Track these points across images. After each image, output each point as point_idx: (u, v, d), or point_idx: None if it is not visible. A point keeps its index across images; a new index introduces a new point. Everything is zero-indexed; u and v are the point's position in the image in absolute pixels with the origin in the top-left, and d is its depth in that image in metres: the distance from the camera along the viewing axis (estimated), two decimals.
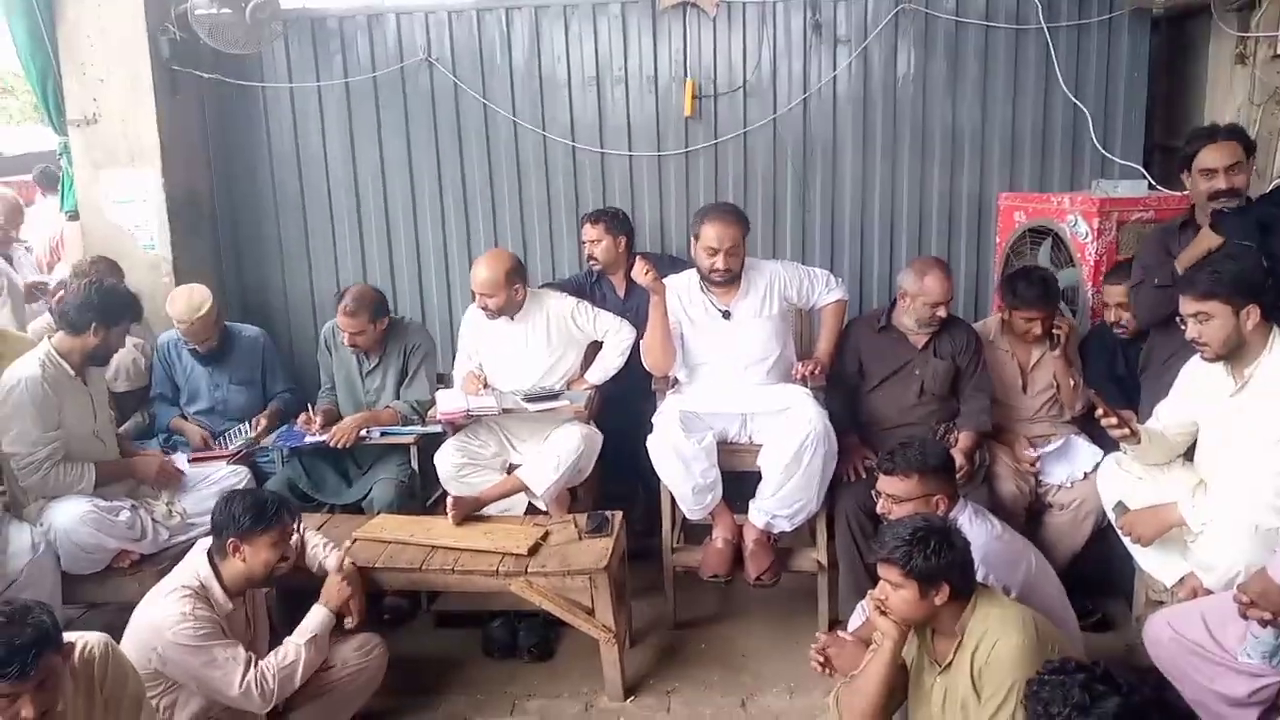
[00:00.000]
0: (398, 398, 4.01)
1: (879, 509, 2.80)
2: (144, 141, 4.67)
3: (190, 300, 4.03)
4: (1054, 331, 3.61)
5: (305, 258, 5.16)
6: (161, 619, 2.71)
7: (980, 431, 3.59)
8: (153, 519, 3.42)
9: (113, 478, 3.52)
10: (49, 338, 3.53)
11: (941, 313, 3.58)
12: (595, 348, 4.03)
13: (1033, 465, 3.56)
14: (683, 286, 3.76)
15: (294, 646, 2.83)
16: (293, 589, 3.15)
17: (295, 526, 2.89)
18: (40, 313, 4.44)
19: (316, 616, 2.95)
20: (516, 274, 3.84)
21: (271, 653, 2.81)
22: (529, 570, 3.20)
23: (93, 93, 4.67)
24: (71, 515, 3.27)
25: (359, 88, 4.96)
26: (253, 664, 2.73)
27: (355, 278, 5.00)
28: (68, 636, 2.35)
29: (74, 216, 4.81)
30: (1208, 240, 3.11)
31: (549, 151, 4.93)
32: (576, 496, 3.86)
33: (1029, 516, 3.52)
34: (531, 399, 3.79)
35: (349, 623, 3.06)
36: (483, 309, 3.84)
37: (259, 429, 4.11)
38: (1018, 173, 4.76)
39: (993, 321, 3.91)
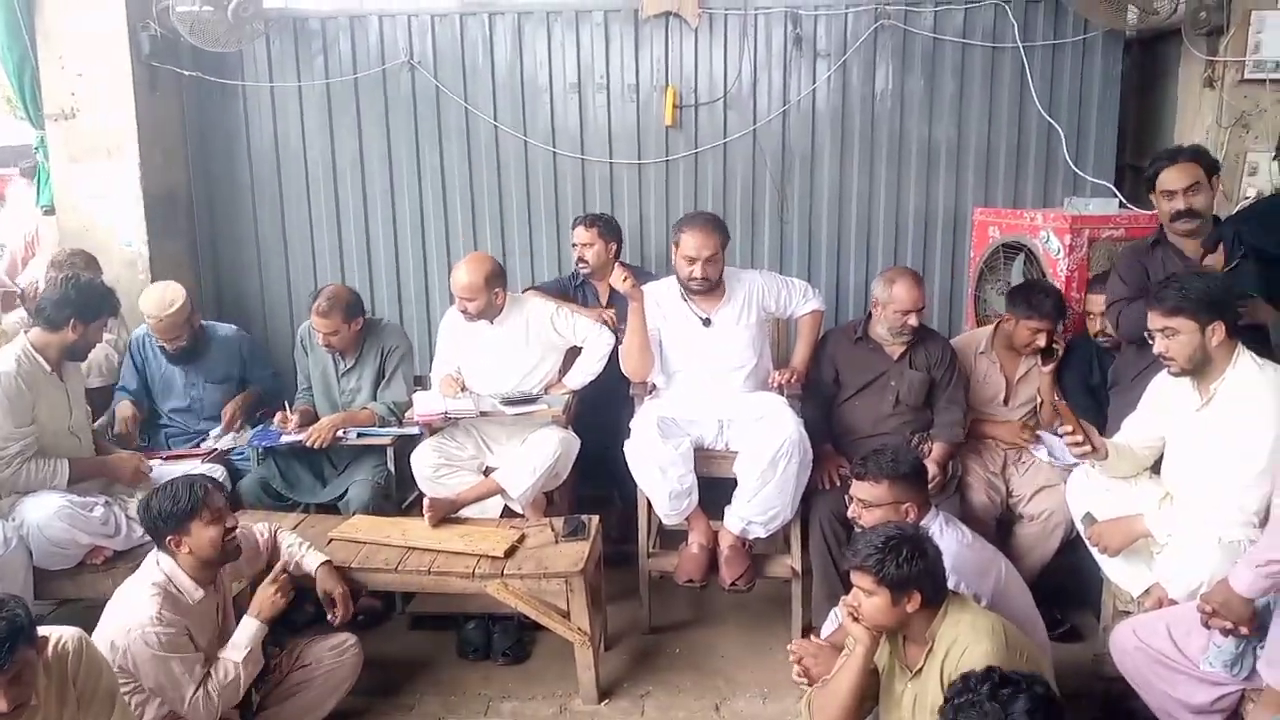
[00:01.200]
0: (374, 399, 4.00)
1: (850, 514, 2.85)
2: (122, 137, 4.64)
3: (162, 297, 4.00)
4: (1053, 345, 3.66)
5: (283, 257, 5.13)
6: (131, 618, 2.71)
7: (953, 443, 3.65)
8: (126, 515, 3.38)
9: (87, 475, 3.49)
10: (25, 332, 3.49)
11: (912, 320, 3.63)
12: (575, 352, 4.04)
13: (1031, 438, 3.65)
14: (663, 293, 3.80)
15: (232, 664, 2.82)
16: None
17: (219, 497, 2.85)
18: (12, 307, 4.39)
19: (248, 630, 2.90)
20: (497, 278, 3.86)
21: (212, 669, 2.80)
22: (505, 573, 3.21)
23: (71, 87, 4.63)
24: (44, 510, 3.24)
25: (340, 88, 4.95)
26: (203, 682, 2.75)
27: (333, 278, 4.99)
28: (41, 631, 2.34)
29: (49, 211, 4.76)
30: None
31: (530, 156, 4.95)
32: (553, 500, 3.88)
33: (999, 526, 3.57)
34: (509, 402, 3.80)
35: (334, 618, 3.08)
36: (463, 312, 3.85)
37: (233, 414, 4.11)
38: (992, 188, 4.85)
39: (983, 332, 3.96)
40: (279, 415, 3.96)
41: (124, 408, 4.07)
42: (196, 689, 2.73)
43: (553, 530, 3.46)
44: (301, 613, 3.37)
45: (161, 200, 4.79)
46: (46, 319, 3.42)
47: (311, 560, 3.16)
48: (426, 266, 5.10)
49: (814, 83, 4.79)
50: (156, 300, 3.99)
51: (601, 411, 4.00)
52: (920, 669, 2.34)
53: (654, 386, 3.86)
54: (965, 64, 4.76)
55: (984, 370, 3.83)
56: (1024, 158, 4.82)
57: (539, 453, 3.69)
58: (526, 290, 4.29)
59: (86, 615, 2.82)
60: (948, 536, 2.78)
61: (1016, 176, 4.84)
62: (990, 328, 3.93)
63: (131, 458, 3.62)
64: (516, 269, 4.96)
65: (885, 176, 4.87)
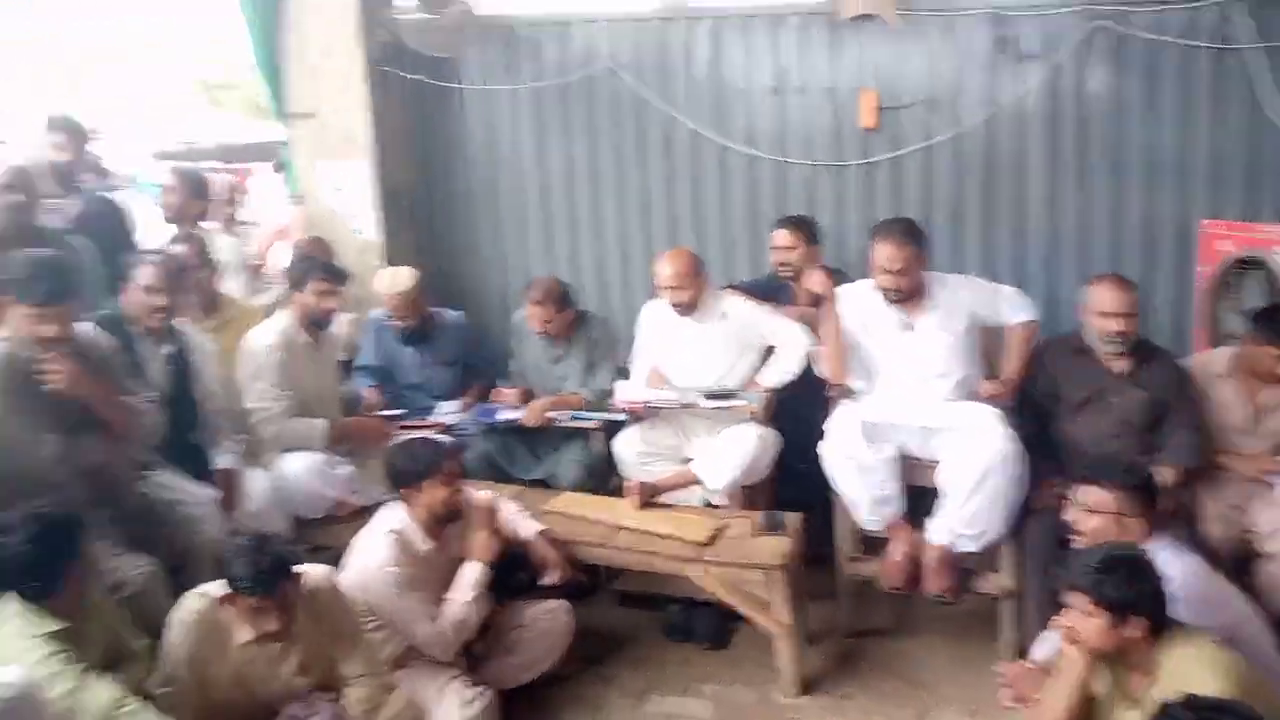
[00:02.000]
0: (583, 385, 4.19)
1: (1068, 516, 2.73)
2: (355, 136, 5.03)
3: (395, 277, 4.34)
4: None
5: (498, 250, 5.44)
6: (370, 560, 2.99)
7: (1186, 466, 3.39)
8: (375, 478, 3.72)
9: (339, 436, 3.82)
10: (289, 307, 3.89)
11: (1115, 325, 3.39)
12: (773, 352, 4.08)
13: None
14: (861, 294, 3.77)
15: (460, 604, 3.06)
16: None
17: (454, 463, 3.10)
18: (270, 286, 4.84)
19: (472, 572, 3.13)
20: (700, 270, 3.96)
21: (444, 607, 3.04)
22: (707, 559, 3.29)
23: (312, 89, 5.05)
24: (299, 466, 3.63)
25: (548, 93, 5.16)
26: (436, 619, 2.98)
27: (543, 270, 5.21)
28: (297, 569, 2.62)
29: (298, 201, 5.22)
30: None
31: (728, 160, 5.03)
32: (751, 496, 3.92)
33: (1237, 565, 3.28)
34: (709, 396, 3.88)
35: (550, 579, 3.26)
36: (675, 305, 3.94)
37: (461, 405, 4.38)
38: (1222, 199, 4.55)
39: (1222, 353, 3.66)
40: (496, 391, 4.23)
41: (370, 393, 4.37)
42: (430, 626, 2.96)
43: (753, 523, 3.51)
44: (516, 579, 3.56)
45: (392, 195, 5.16)
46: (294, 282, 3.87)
47: (529, 527, 3.35)
48: (627, 263, 5.27)
49: (1023, 86, 4.65)
50: (390, 279, 4.34)
51: (800, 412, 4.01)
52: (1143, 701, 2.21)
53: (851, 390, 3.83)
54: (1189, 67, 4.49)
55: (1225, 396, 3.50)
56: (1259, 168, 4.52)
57: (737, 446, 3.74)
58: (724, 289, 4.36)
59: (335, 563, 3.08)
60: (1176, 564, 2.57)
61: (1250, 187, 4.53)
62: (1231, 350, 3.61)
63: (376, 423, 3.92)
64: (713, 270, 5.04)
65: (1101, 185, 4.66)
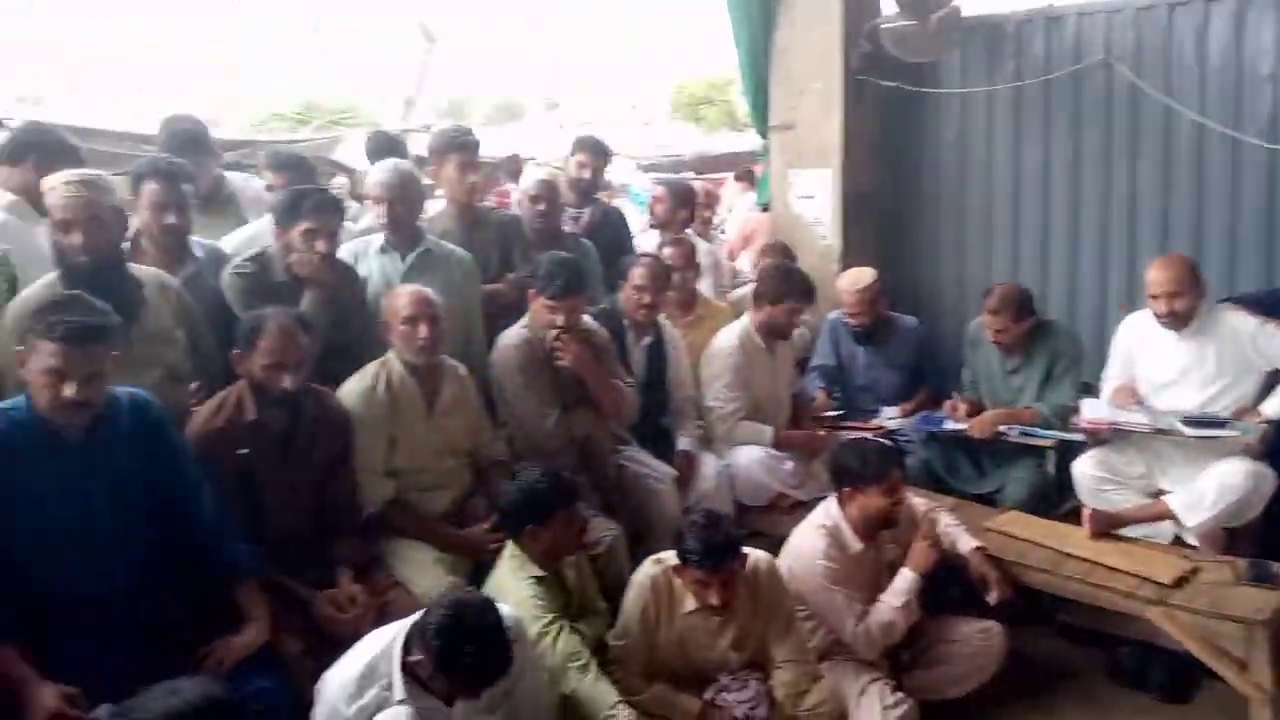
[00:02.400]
0: (1038, 399, 3.97)
1: None
2: (828, 145, 5.23)
3: (857, 275, 4.50)
4: None
5: (958, 256, 5.34)
6: (805, 551, 3.13)
7: None
8: (815, 474, 3.92)
9: (782, 444, 4.01)
10: (749, 313, 4.18)
11: None
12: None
13: None
14: None
15: (888, 608, 3.08)
16: None
17: (898, 473, 3.10)
18: (737, 286, 5.26)
19: (905, 580, 3.11)
20: (1199, 278, 3.55)
21: (872, 608, 3.08)
22: (1172, 602, 2.97)
23: (793, 102, 5.35)
24: (749, 456, 3.91)
25: (1029, 92, 4.97)
26: (862, 618, 3.04)
27: (1006, 277, 5.02)
28: (744, 550, 2.85)
29: (765, 209, 5.60)
30: None
31: (1240, 155, 4.44)
32: (1234, 539, 3.45)
33: None
34: (1191, 423, 3.47)
35: (992, 597, 3.18)
36: (1164, 316, 3.56)
37: (918, 404, 4.40)
38: None
39: None
40: (947, 403, 4.16)
41: (820, 395, 4.55)
42: (856, 623, 3.04)
43: (1234, 570, 3.10)
44: (951, 593, 3.51)
45: (855, 201, 5.30)
46: (755, 300, 4.09)
47: (966, 542, 3.29)
48: (1104, 271, 4.88)
49: None
50: (852, 277, 4.51)
51: None
52: None
53: None
54: None
55: None
56: None
57: (1223, 482, 3.33)
58: (1222, 302, 3.85)
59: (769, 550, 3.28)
60: None
61: None
62: None
63: (819, 438, 4.08)
64: (1214, 281, 4.47)
65: None
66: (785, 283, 4.06)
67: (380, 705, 2.25)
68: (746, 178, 6.42)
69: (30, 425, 2.29)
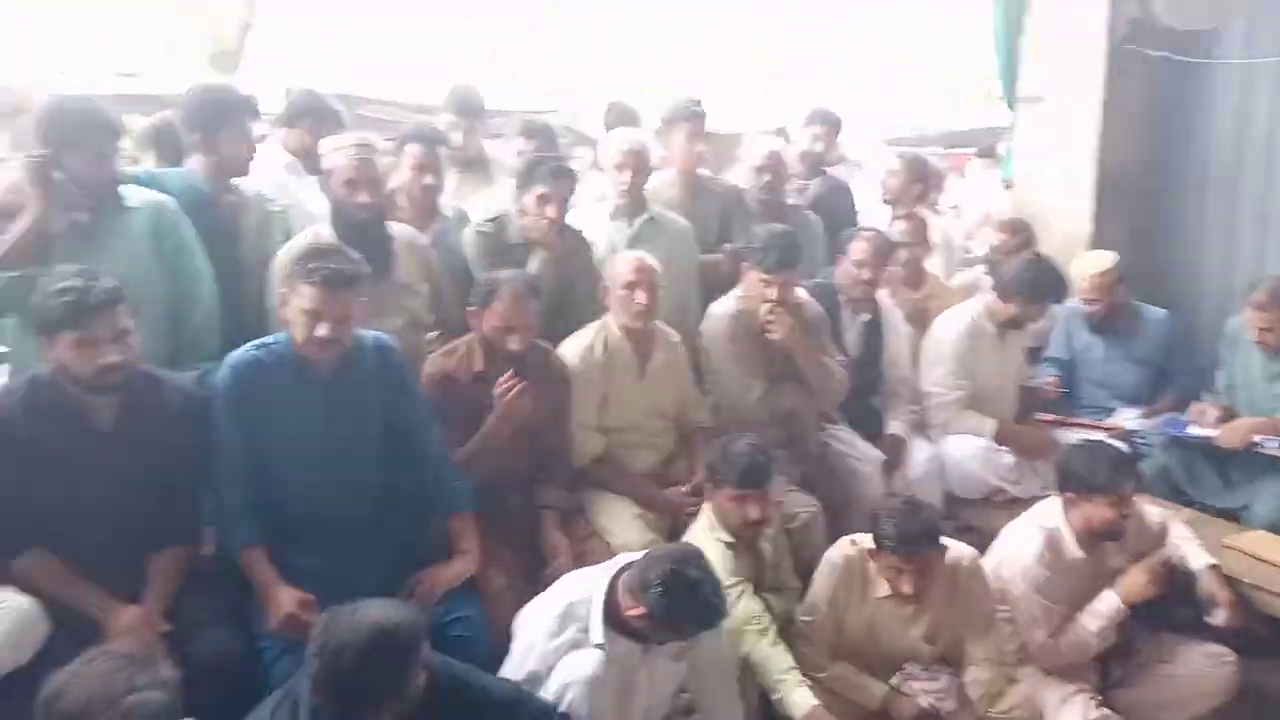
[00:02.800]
0: None
1: None
2: (1084, 119, 4.85)
3: (1096, 259, 4.19)
4: None
5: (1225, 245, 4.80)
6: (1016, 552, 2.98)
7: None
8: (1033, 468, 3.74)
9: (1004, 440, 3.82)
10: (982, 295, 4.00)
11: None
12: None
13: None
14: None
15: (1083, 628, 2.90)
16: None
17: (1130, 485, 2.87)
18: (969, 268, 5.03)
19: (1109, 602, 2.90)
20: None
21: (1069, 624, 2.91)
22: None
23: (1046, 72, 5.00)
24: (964, 447, 3.77)
25: None
26: (1057, 631, 2.89)
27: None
28: (945, 541, 2.76)
29: (1009, 186, 5.29)
30: None
31: None
32: None
33: None
34: None
35: (1219, 618, 2.93)
36: None
37: (1146, 411, 4.06)
38: None
39: None
40: (1194, 406, 3.80)
41: (1050, 385, 4.26)
42: (1045, 635, 2.89)
43: None
44: (1179, 613, 3.23)
45: (1110, 180, 4.89)
46: (1001, 289, 3.86)
47: (1198, 559, 3.02)
48: None
49: None
50: (1090, 260, 4.20)
51: None
52: None
53: None
54: None
55: None
56: None
57: None
58: None
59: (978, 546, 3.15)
60: None
61: None
62: None
63: (1045, 439, 3.86)
64: None
65: None
66: (1037, 277, 3.82)
67: (575, 645, 2.39)
68: (988, 154, 6.08)
69: (288, 359, 2.60)
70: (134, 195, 2.89)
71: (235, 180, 3.26)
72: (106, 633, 2.26)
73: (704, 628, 2.39)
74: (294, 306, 2.54)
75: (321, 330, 2.51)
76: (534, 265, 3.34)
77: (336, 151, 3.12)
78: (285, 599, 2.42)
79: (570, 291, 3.50)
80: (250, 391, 2.56)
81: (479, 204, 3.92)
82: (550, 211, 3.36)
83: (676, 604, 2.28)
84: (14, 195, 2.77)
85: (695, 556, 2.40)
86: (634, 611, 2.33)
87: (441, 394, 2.93)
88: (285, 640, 2.36)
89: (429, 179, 3.53)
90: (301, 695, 1.99)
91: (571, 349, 3.25)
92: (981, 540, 3.17)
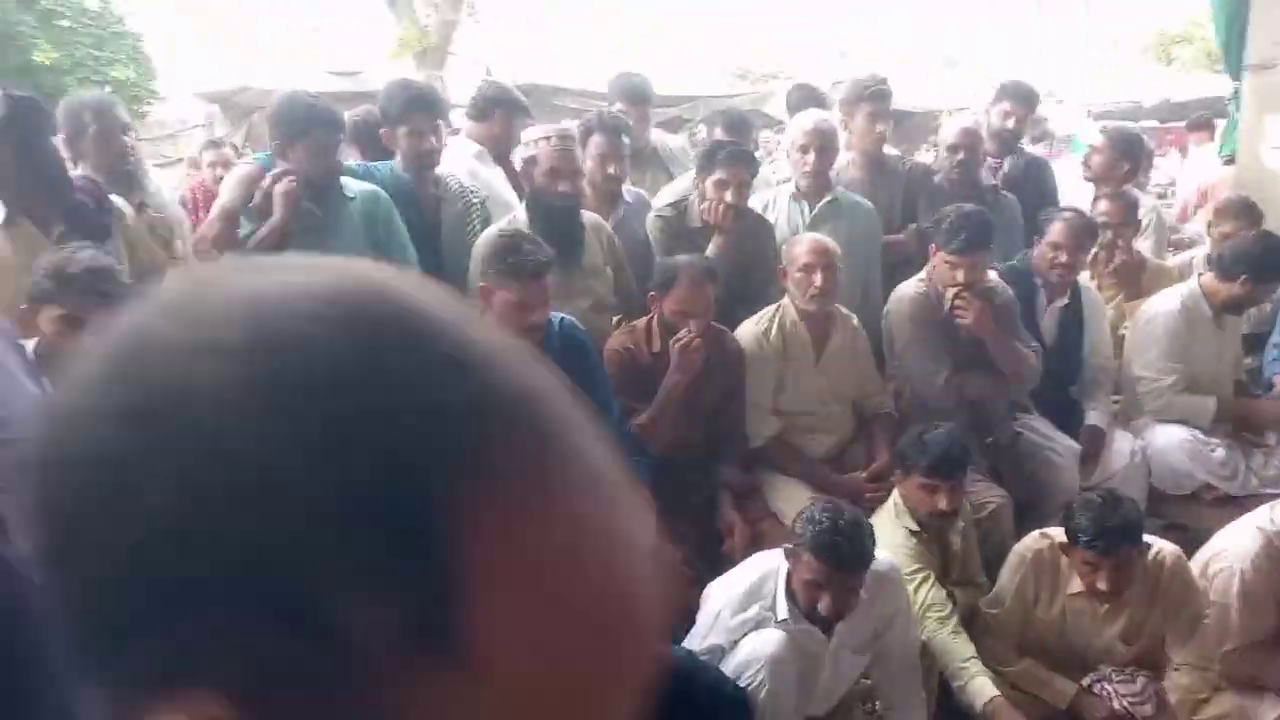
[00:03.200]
0: None
1: None
2: None
3: None
4: None
5: None
6: (1229, 550, 2.78)
7: None
8: (1247, 465, 3.44)
9: (1229, 418, 3.59)
10: (1198, 276, 3.73)
11: None
12: None
13: None
14: None
15: None
16: None
17: None
18: (1185, 248, 4.67)
19: None
20: None
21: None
22: None
23: (1275, 37, 4.56)
24: (1172, 439, 3.51)
25: None
26: (1249, 650, 2.66)
27: None
28: (1147, 539, 2.60)
29: (1229, 161, 4.86)
30: None
31: None
32: None
33: None
34: None
35: None
36: None
37: None
38: None
39: None
40: None
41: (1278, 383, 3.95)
42: (1244, 640, 2.68)
43: None
44: None
45: None
46: (1221, 267, 3.59)
47: None
48: None
49: None
50: None
51: None
52: None
53: None
54: None
55: None
56: None
57: None
58: None
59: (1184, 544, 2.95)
60: None
61: None
62: None
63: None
64: None
65: None
66: (1263, 256, 3.52)
67: (760, 623, 2.42)
68: (1205, 127, 5.56)
69: None
70: (351, 186, 3.13)
71: (439, 172, 3.47)
72: None
73: (853, 568, 2.35)
74: (500, 301, 2.68)
75: (534, 318, 2.66)
76: (713, 249, 3.37)
77: (539, 141, 3.23)
78: None
79: (749, 275, 3.51)
80: None
81: (664, 194, 3.97)
82: (729, 196, 3.38)
83: (821, 540, 2.30)
84: (249, 187, 3.03)
85: (843, 505, 2.45)
86: (799, 573, 2.34)
87: (619, 373, 3.02)
88: None
89: (611, 169, 3.62)
90: None
91: (747, 331, 3.27)
92: (1189, 539, 2.97)
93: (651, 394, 3.03)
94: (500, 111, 3.93)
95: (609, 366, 3.00)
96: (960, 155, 3.98)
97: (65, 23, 10.78)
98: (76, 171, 3.16)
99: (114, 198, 3.07)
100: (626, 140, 3.72)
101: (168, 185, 3.61)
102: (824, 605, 2.34)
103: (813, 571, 2.33)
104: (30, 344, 2.19)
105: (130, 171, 3.43)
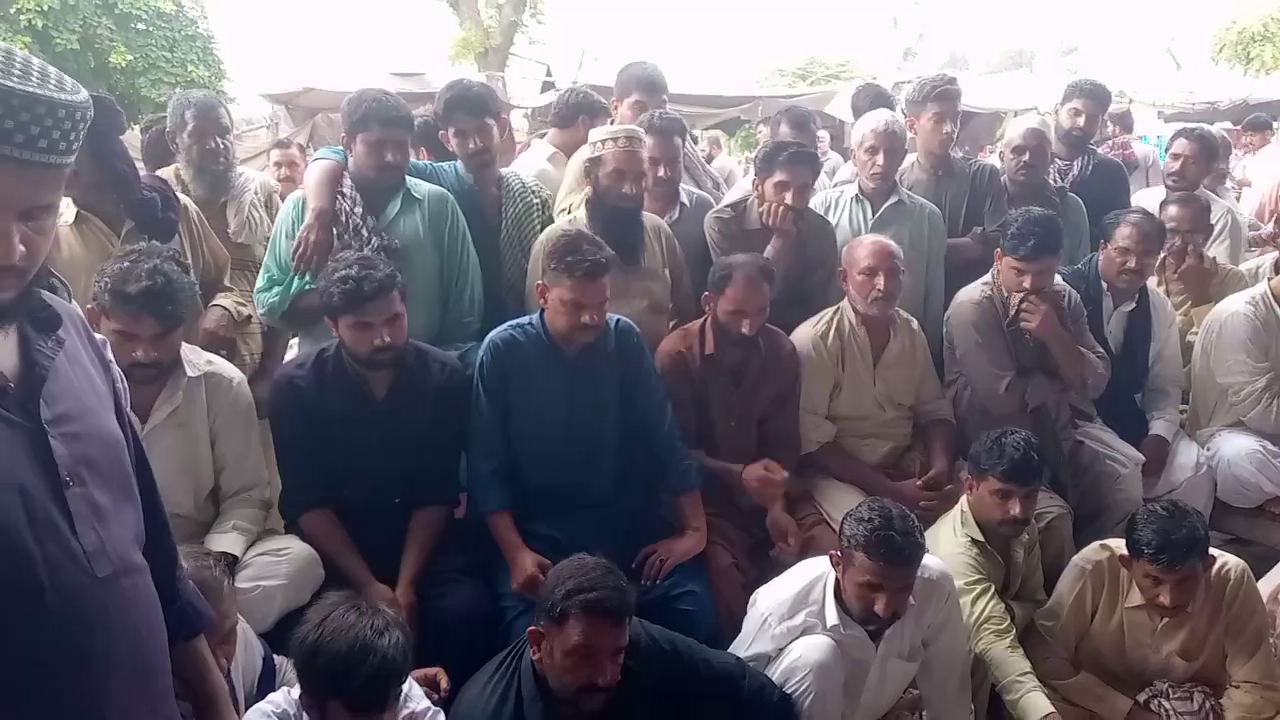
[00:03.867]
0: None
1: None
2: None
3: None
4: None
5: None
6: None
7: None
8: None
9: None
10: (1269, 279, 3.63)
11: None
12: None
13: None
14: None
15: None
16: None
17: None
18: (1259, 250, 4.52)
19: None
20: None
21: None
22: None
23: None
24: (1238, 449, 3.41)
25: None
26: None
27: None
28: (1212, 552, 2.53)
29: None
30: None
31: None
32: None
33: None
34: None
35: None
36: None
37: None
38: None
39: None
40: None
41: None
42: None
43: None
44: None
45: None
46: None
47: None
48: None
49: None
50: None
51: None
52: None
53: None
54: None
55: None
56: None
57: None
58: None
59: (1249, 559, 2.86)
60: None
61: None
62: None
63: None
64: None
65: None
66: None
67: (807, 629, 2.42)
68: (1260, 127, 5.34)
69: (539, 339, 2.79)
70: (419, 187, 3.17)
71: (503, 171, 3.50)
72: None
73: (907, 557, 2.32)
74: (555, 298, 2.71)
75: (586, 318, 2.69)
76: (771, 251, 3.35)
77: (605, 142, 3.22)
78: (527, 562, 2.61)
79: (809, 277, 3.48)
80: (504, 367, 2.79)
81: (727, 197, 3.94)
82: (789, 197, 3.35)
83: (874, 537, 2.28)
84: (334, 185, 3.05)
85: (883, 503, 2.42)
86: (851, 575, 2.32)
87: (673, 374, 3.02)
88: (525, 600, 2.54)
89: (663, 171, 3.60)
90: (526, 656, 2.14)
91: (804, 335, 3.24)
92: (1253, 554, 2.88)
93: (704, 398, 3.02)
94: (583, 119, 3.95)
95: (660, 370, 3.00)
96: (1026, 157, 3.90)
97: (141, 25, 11.13)
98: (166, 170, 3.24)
99: (182, 197, 3.16)
100: (681, 141, 3.70)
101: (254, 186, 3.70)
102: (880, 606, 2.31)
103: (867, 571, 2.31)
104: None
105: (220, 171, 3.53)
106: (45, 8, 10.20)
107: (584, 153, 3.43)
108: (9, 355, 1.19)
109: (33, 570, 1.13)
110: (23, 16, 10.17)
